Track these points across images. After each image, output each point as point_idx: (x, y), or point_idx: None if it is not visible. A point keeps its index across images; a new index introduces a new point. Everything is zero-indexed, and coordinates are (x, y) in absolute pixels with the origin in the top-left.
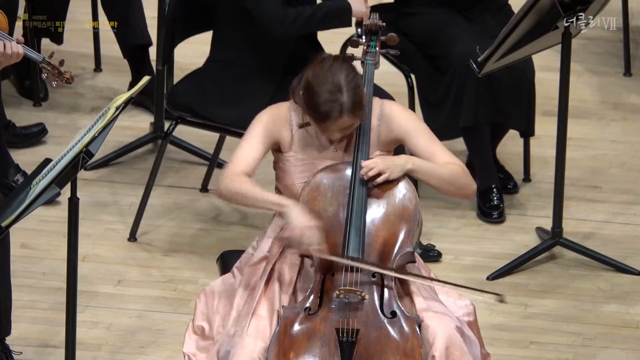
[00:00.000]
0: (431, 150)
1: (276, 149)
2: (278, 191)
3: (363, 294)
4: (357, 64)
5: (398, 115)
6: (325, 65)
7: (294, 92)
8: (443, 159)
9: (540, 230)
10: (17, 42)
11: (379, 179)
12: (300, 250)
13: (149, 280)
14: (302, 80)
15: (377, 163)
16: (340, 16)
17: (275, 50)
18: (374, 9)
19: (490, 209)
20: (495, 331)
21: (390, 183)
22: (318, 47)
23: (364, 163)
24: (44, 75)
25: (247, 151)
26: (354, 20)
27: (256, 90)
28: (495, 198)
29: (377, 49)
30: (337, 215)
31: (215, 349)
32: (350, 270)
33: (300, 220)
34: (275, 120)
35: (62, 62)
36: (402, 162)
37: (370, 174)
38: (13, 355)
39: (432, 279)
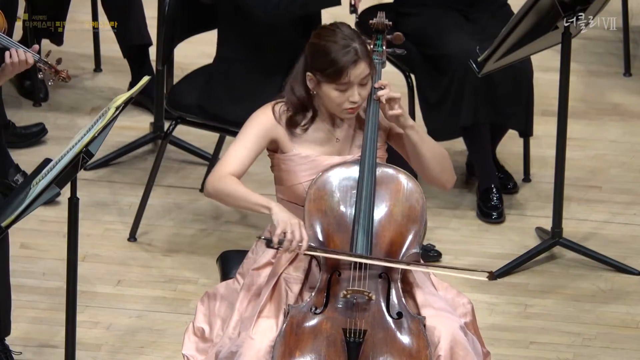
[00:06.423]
0: None
1: (274, 150)
2: (279, 194)
3: (370, 295)
4: None
5: None
6: (326, 26)
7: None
8: None
9: (540, 230)
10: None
11: (392, 94)
12: (284, 249)
13: (149, 280)
14: (307, 48)
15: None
16: None
17: (277, 44)
18: (374, 8)
19: (490, 209)
20: (495, 331)
21: (398, 182)
22: None
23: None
24: (40, 75)
25: (239, 152)
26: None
27: (263, 85)
28: (495, 198)
29: (384, 48)
30: (344, 215)
31: (214, 351)
32: (357, 270)
33: (282, 216)
34: (272, 118)
35: (59, 61)
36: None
37: (387, 87)
38: (13, 355)
39: (443, 267)
